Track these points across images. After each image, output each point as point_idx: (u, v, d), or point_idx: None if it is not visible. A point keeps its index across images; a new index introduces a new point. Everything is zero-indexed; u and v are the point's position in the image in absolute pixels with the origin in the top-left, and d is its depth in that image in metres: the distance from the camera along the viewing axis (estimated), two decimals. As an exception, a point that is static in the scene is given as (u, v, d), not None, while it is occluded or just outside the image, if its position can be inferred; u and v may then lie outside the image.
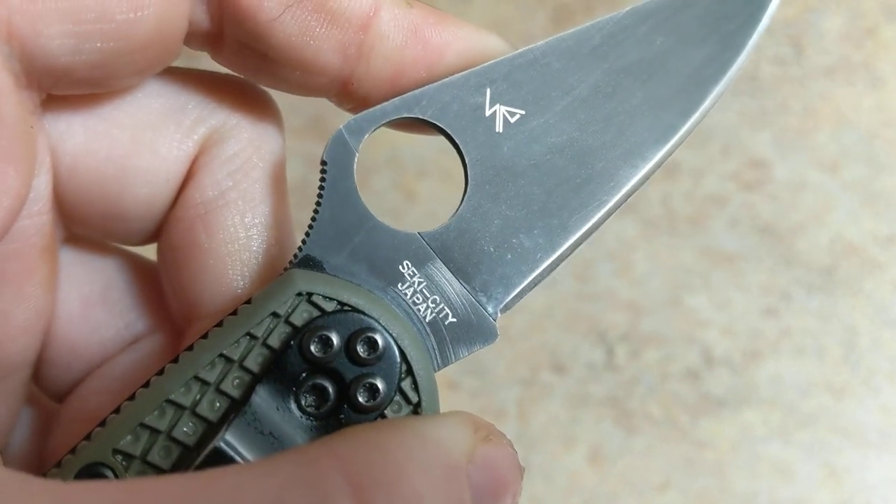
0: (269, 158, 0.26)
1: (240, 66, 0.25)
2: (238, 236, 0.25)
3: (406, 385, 0.23)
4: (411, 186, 0.60)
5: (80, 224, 0.26)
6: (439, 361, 0.24)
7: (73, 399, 0.27)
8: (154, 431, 0.22)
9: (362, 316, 0.23)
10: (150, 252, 0.28)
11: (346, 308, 0.23)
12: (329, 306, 0.23)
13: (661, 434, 0.53)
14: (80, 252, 0.27)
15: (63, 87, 0.23)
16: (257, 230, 0.26)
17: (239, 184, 0.26)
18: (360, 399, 0.22)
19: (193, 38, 0.24)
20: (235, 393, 0.22)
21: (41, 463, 0.28)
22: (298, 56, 0.24)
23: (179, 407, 0.22)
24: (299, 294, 0.23)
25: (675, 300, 0.57)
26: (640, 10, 0.25)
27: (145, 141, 0.25)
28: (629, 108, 0.25)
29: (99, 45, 0.22)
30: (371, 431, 0.21)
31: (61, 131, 0.24)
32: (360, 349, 0.23)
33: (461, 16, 0.74)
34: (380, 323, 0.23)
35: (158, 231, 0.27)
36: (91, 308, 0.27)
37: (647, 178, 0.25)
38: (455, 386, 0.50)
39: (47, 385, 0.28)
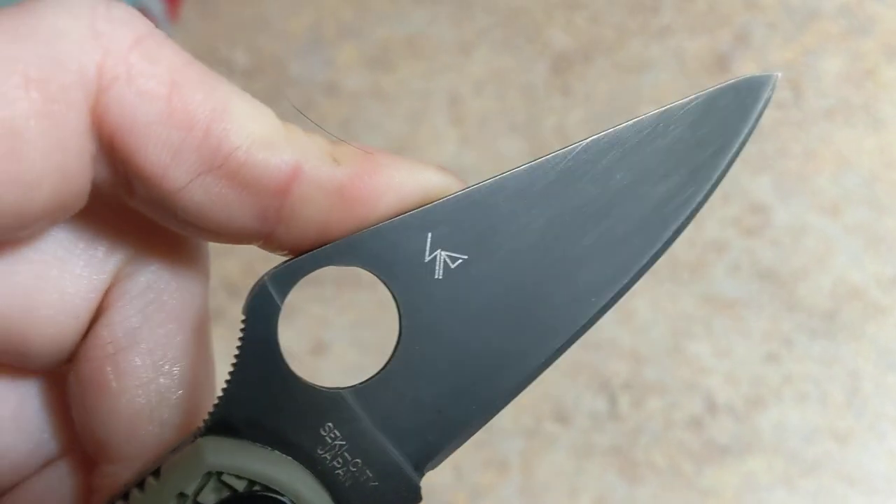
0: (187, 290, 0.24)
1: (156, 218, 0.23)
2: (148, 379, 0.24)
3: None
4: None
5: None
6: None
7: None
8: None
9: (275, 495, 0.22)
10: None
11: (256, 486, 0.22)
12: (240, 485, 0.22)
13: (666, 483, 0.53)
14: None
15: None
16: (170, 372, 0.24)
17: (150, 320, 0.24)
18: None
19: (101, 191, 0.22)
20: None
21: None
22: (210, 221, 0.22)
23: None
24: (209, 473, 0.21)
25: (676, 348, 0.57)
26: (601, 142, 0.23)
27: (51, 278, 0.24)
28: (579, 250, 0.23)
29: None
30: None
31: None
32: None
33: (461, 68, 0.75)
34: (294, 501, 0.22)
35: (69, 360, 0.25)
36: (3, 429, 0.26)
37: (593, 322, 0.24)
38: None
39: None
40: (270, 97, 0.72)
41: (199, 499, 0.21)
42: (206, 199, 0.22)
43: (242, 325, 0.22)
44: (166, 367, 0.24)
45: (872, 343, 0.57)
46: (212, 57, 0.71)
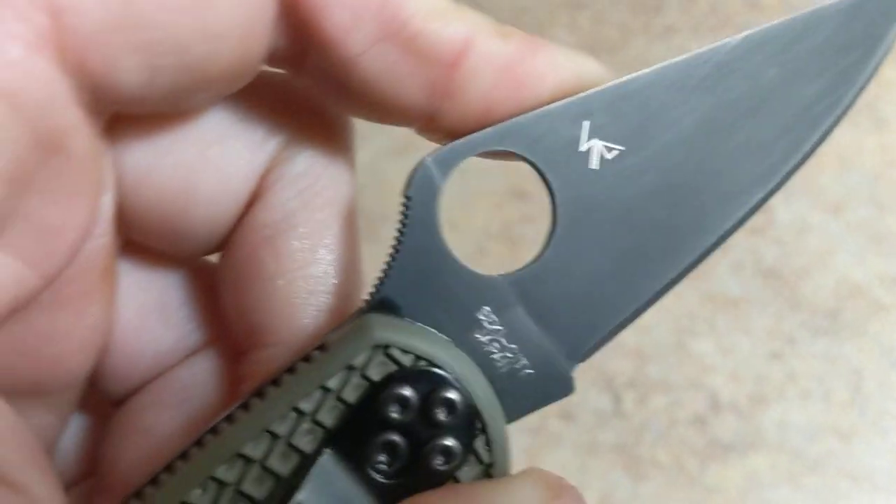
0: (339, 178, 0.25)
1: (320, 92, 0.24)
2: (305, 262, 0.24)
3: (479, 445, 0.22)
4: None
5: (142, 237, 0.25)
6: (513, 414, 0.23)
7: (127, 411, 0.27)
8: (223, 485, 0.21)
9: (441, 373, 0.22)
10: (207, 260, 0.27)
11: (422, 363, 0.22)
12: (406, 360, 0.22)
13: (670, 480, 0.53)
14: (137, 260, 0.26)
15: (132, 111, 0.22)
16: (325, 257, 0.24)
17: (307, 205, 0.24)
18: (434, 462, 0.22)
19: (275, 59, 0.23)
20: (307, 448, 0.22)
21: (90, 469, 0.27)
22: (382, 92, 0.22)
23: (249, 460, 0.21)
24: (376, 346, 0.22)
25: (680, 346, 0.57)
26: (754, 38, 0.23)
27: (212, 157, 0.24)
28: (732, 146, 0.23)
29: (173, 77, 0.21)
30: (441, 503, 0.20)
31: (126, 147, 0.23)
32: (437, 410, 0.22)
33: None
34: (458, 380, 0.22)
35: (220, 247, 0.26)
36: (147, 318, 0.26)
37: (742, 222, 0.24)
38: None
39: (102, 391, 0.27)
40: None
41: (366, 372, 0.22)
42: (381, 67, 0.22)
43: (404, 206, 0.22)
44: (322, 251, 0.24)
45: (875, 341, 0.57)
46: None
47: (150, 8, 0.20)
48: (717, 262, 0.59)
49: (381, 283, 0.23)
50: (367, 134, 0.66)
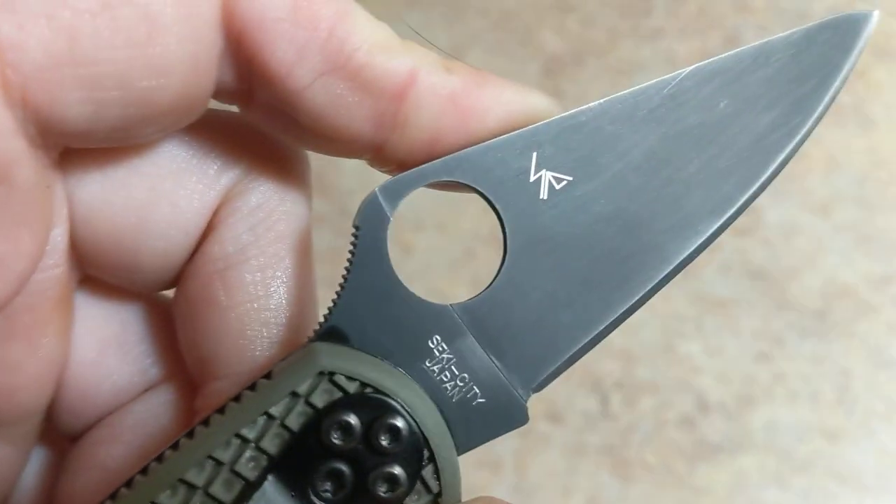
0: (294, 212, 0.25)
1: (269, 126, 0.24)
2: (258, 295, 0.24)
3: (427, 473, 0.22)
4: (407, 240, 0.61)
5: (96, 272, 0.25)
6: (465, 444, 0.23)
7: (84, 445, 0.27)
8: None
9: (385, 399, 0.22)
10: (167, 293, 0.28)
11: (368, 390, 0.22)
12: (351, 387, 0.22)
13: (658, 482, 0.53)
14: (95, 294, 0.26)
15: (80, 144, 0.22)
16: (278, 289, 0.25)
17: (260, 238, 0.24)
18: (379, 490, 0.21)
19: (222, 95, 0.23)
20: (250, 475, 0.21)
21: None
22: (329, 124, 0.22)
23: (192, 487, 0.21)
24: (321, 373, 0.22)
25: (668, 347, 0.57)
26: (703, 70, 0.23)
27: (165, 191, 0.24)
28: (685, 176, 0.23)
29: (119, 111, 0.21)
30: None
31: (78, 180, 0.24)
32: (382, 437, 0.22)
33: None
34: (404, 407, 0.22)
35: (174, 281, 0.26)
36: (104, 353, 0.26)
37: (698, 252, 0.23)
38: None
39: (59, 426, 0.27)
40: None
41: (311, 399, 0.22)
42: (326, 99, 0.22)
43: (353, 236, 0.23)
44: (275, 284, 0.24)
45: (863, 341, 0.57)
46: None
47: (93, 44, 0.20)
48: (705, 264, 0.59)
49: (331, 312, 0.23)
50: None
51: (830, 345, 0.57)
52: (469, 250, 0.60)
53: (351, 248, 0.23)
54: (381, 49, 0.22)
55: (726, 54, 0.23)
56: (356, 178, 0.59)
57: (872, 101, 0.66)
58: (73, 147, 0.22)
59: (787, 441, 0.54)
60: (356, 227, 0.23)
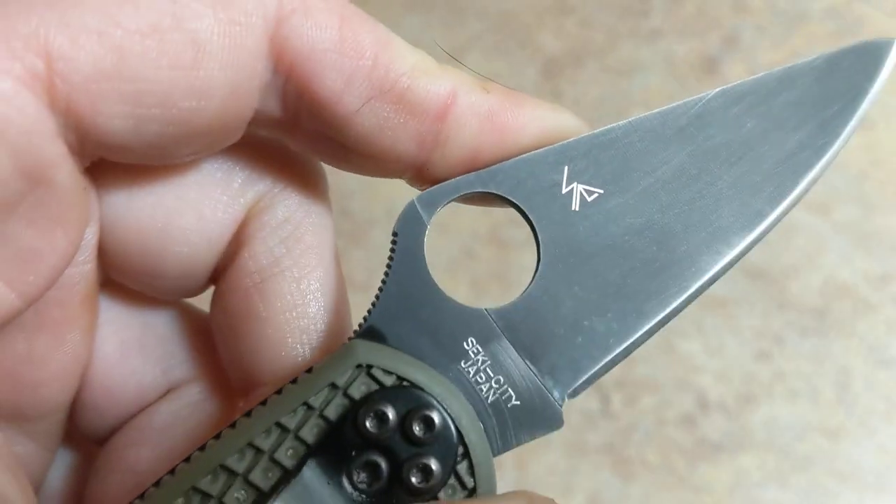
0: (320, 224, 0.26)
1: (314, 151, 0.25)
2: (296, 304, 0.25)
3: (462, 468, 0.22)
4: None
5: (120, 277, 0.26)
6: (500, 445, 0.23)
7: (112, 448, 0.27)
8: (206, 496, 0.22)
9: (421, 392, 0.22)
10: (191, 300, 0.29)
11: (405, 383, 0.23)
12: (388, 380, 0.23)
13: (659, 480, 0.53)
14: (119, 295, 0.27)
15: (117, 158, 0.23)
16: (314, 297, 0.25)
17: (292, 250, 0.25)
18: (413, 480, 0.22)
19: (267, 125, 0.24)
20: (288, 463, 0.22)
21: None
22: (376, 146, 0.24)
23: (232, 473, 0.22)
24: (359, 366, 0.23)
25: (668, 346, 0.57)
26: (730, 92, 0.24)
27: (190, 200, 0.25)
28: (714, 192, 0.24)
29: (158, 128, 0.22)
30: None
31: (108, 185, 0.25)
32: (416, 428, 0.22)
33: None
34: (438, 401, 0.22)
35: (197, 290, 0.27)
36: (128, 353, 0.27)
37: (731, 265, 0.24)
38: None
39: (84, 427, 0.28)
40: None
41: (349, 391, 0.22)
42: (374, 123, 0.23)
43: (392, 241, 0.24)
44: (310, 293, 0.25)
45: (862, 340, 0.57)
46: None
47: (140, 62, 0.21)
48: (705, 263, 0.59)
49: (370, 314, 0.24)
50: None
51: (830, 343, 0.57)
52: (469, 250, 0.60)
53: (390, 253, 0.24)
54: (423, 73, 0.23)
55: (751, 78, 0.24)
56: (356, 180, 0.59)
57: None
58: (109, 159, 0.23)
59: (786, 439, 0.54)
60: (395, 234, 0.24)
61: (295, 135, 0.24)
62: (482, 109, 0.24)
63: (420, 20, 0.71)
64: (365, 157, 0.24)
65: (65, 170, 0.22)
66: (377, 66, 0.23)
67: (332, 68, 0.23)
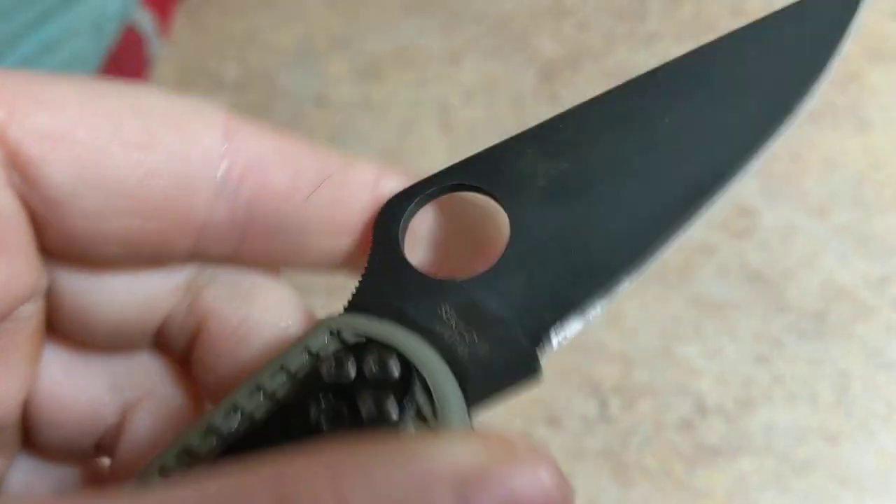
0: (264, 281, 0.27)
1: (265, 255, 0.26)
2: (277, 340, 0.26)
3: (425, 407, 0.23)
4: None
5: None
6: (480, 395, 0.23)
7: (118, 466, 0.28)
8: (195, 456, 0.23)
9: (382, 344, 0.23)
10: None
11: (370, 340, 0.24)
12: (353, 339, 0.24)
13: (658, 485, 0.53)
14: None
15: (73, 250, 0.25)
16: (291, 328, 0.27)
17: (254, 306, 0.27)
18: (372, 417, 0.22)
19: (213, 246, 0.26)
20: (262, 418, 0.23)
21: None
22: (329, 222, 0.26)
23: (218, 432, 0.23)
24: (331, 333, 0.24)
25: (666, 350, 0.57)
26: (703, 49, 0.26)
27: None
28: (705, 125, 0.25)
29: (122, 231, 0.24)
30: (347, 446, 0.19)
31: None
32: (372, 367, 0.23)
33: (451, 76, 0.75)
34: (400, 349, 0.23)
35: (133, 346, 0.28)
36: (72, 373, 0.28)
37: (704, 209, 0.25)
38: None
39: (45, 442, 0.28)
40: (261, 110, 0.72)
41: (319, 353, 0.24)
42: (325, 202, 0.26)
43: (373, 232, 0.25)
44: (284, 326, 0.27)
45: (861, 343, 0.57)
46: (202, 71, 0.71)
47: (122, 173, 0.23)
48: (702, 266, 0.59)
49: (352, 297, 0.25)
50: (352, 145, 0.66)
51: (829, 346, 0.57)
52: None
53: (371, 245, 0.25)
54: None
55: (727, 33, 0.26)
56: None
57: (868, 103, 0.66)
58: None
59: (786, 443, 0.54)
60: (375, 226, 0.25)
61: (244, 245, 0.26)
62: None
63: (417, 24, 0.71)
64: (320, 237, 0.26)
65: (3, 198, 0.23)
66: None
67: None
